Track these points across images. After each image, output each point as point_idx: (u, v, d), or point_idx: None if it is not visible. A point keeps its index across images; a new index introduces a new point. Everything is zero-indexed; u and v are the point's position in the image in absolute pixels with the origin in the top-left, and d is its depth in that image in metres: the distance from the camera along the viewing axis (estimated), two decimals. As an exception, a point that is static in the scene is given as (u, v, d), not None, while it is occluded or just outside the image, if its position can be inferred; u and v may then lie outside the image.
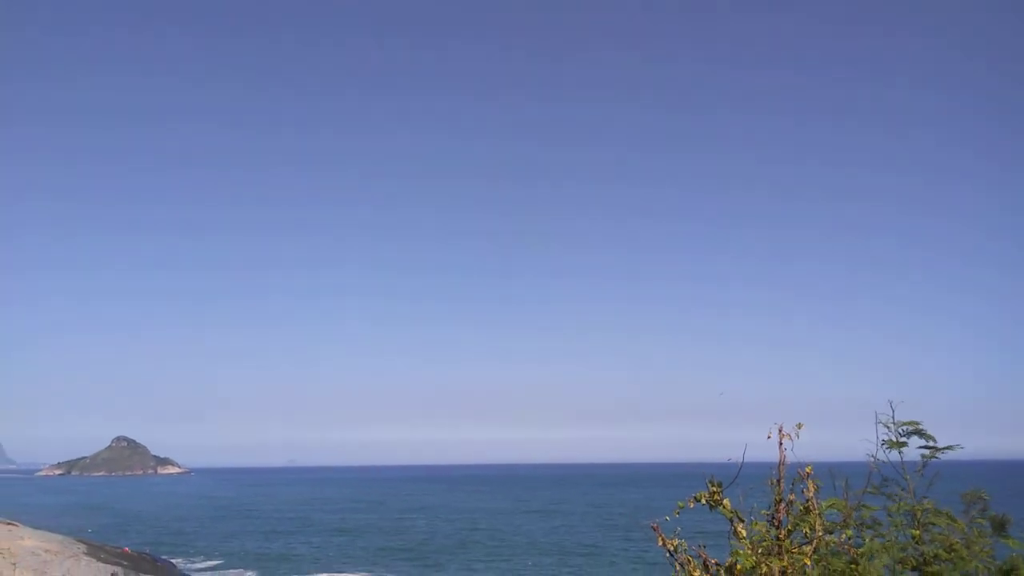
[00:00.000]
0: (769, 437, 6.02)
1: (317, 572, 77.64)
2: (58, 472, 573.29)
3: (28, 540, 55.61)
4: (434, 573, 77.44)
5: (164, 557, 73.91)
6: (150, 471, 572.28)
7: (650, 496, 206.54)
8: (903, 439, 5.95)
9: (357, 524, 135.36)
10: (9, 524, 62.82)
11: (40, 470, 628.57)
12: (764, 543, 5.91)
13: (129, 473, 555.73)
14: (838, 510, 6.02)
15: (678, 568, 6.18)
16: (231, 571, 78.51)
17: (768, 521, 6.03)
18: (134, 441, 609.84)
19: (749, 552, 5.83)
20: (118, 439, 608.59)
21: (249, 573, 77.42)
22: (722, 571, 6.04)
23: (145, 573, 53.44)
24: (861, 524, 5.98)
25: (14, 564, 50.11)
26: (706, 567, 6.11)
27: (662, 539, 6.21)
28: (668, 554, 6.21)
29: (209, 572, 76.11)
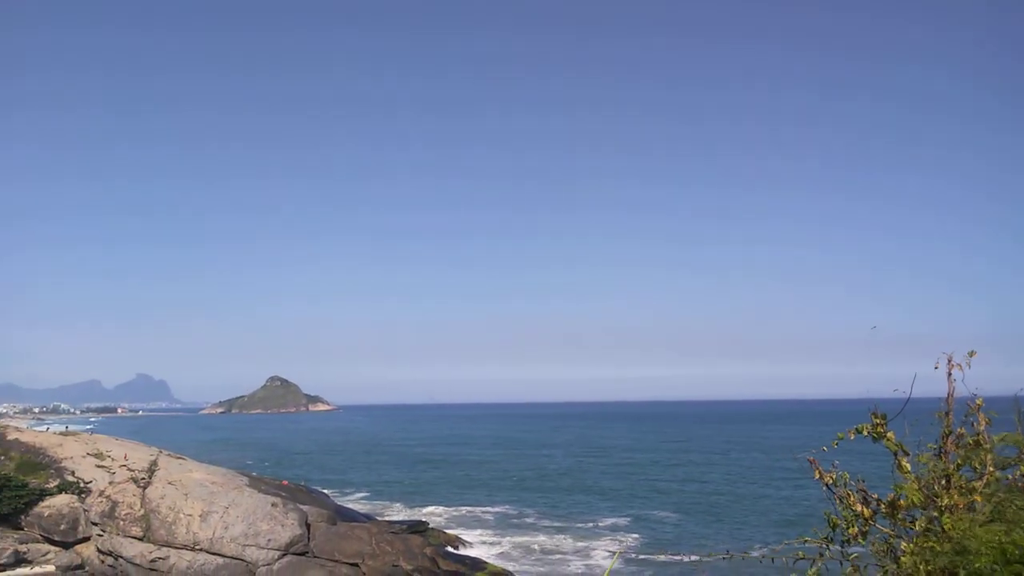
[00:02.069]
0: (936, 367, 5.67)
1: (458, 504, 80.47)
2: (219, 410, 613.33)
3: (196, 473, 59.70)
4: (568, 508, 78.79)
5: (317, 488, 78.10)
6: (302, 408, 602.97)
7: (808, 432, 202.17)
8: None
9: (495, 458, 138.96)
10: (179, 458, 67.60)
11: (203, 408, 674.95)
12: (930, 477, 5.63)
13: (283, 410, 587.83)
14: (1014, 444, 5.61)
15: (837, 502, 5.98)
16: (379, 502, 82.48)
17: (935, 455, 5.72)
18: (286, 380, 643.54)
19: (914, 486, 5.56)
20: (272, 379, 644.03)
21: (396, 504, 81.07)
22: (883, 506, 5.81)
23: (301, 503, 56.44)
24: None
25: (186, 495, 54.24)
26: (866, 501, 5.89)
27: (819, 472, 6.01)
28: (826, 487, 6.01)
29: (359, 503, 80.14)
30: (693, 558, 50.67)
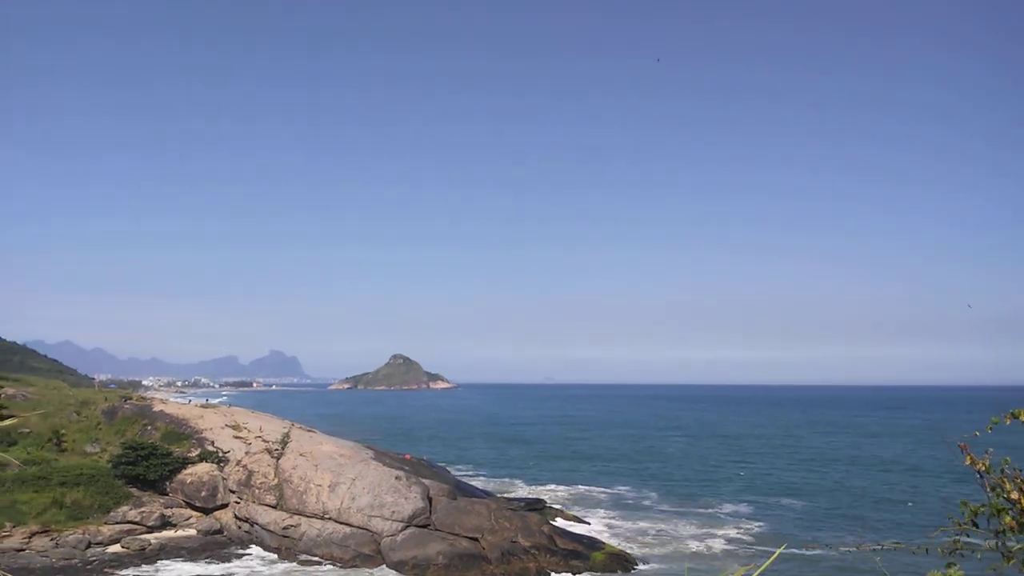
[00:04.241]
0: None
1: (576, 484, 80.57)
2: (346, 386, 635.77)
3: (325, 445, 61.99)
4: (686, 492, 77.64)
5: (440, 464, 79.76)
6: (423, 385, 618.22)
7: (944, 420, 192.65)
8: None
9: (613, 439, 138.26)
10: (309, 431, 70.36)
11: (331, 384, 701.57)
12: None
13: (405, 387, 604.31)
14: None
15: (989, 491, 5.58)
16: (498, 479, 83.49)
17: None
18: (409, 358, 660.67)
19: (1081, 475, 5.12)
20: (395, 356, 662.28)
21: (515, 481, 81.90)
22: (1043, 496, 5.38)
23: (423, 478, 57.72)
24: None
25: (316, 466, 56.42)
26: (1022, 490, 5.47)
27: (971, 458, 5.62)
28: (978, 475, 5.62)
29: (479, 478, 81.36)
30: (818, 551, 48.96)
